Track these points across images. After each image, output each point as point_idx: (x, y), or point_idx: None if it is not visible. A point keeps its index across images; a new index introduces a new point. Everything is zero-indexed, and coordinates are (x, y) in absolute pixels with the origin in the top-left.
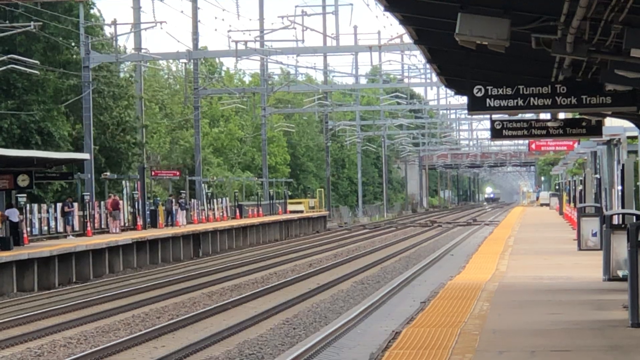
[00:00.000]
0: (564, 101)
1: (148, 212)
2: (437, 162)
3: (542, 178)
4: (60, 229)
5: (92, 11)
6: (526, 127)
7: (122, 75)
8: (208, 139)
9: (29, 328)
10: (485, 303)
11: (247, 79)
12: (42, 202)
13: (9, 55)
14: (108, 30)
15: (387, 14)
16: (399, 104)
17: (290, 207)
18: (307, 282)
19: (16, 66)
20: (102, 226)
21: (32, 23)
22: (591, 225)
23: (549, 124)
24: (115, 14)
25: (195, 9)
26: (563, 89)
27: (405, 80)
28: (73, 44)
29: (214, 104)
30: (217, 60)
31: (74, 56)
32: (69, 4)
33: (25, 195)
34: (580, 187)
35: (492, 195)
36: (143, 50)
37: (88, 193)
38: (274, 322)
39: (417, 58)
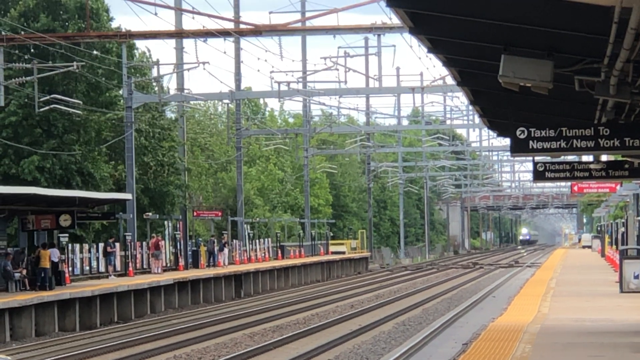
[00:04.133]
0: (606, 143)
1: (190, 253)
2: (479, 203)
3: (584, 220)
4: (102, 269)
5: (138, 52)
6: (569, 169)
7: (167, 115)
8: (249, 179)
9: None
10: (528, 345)
11: (291, 120)
12: (83, 241)
13: (52, 95)
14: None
15: (431, 55)
16: (441, 145)
17: (332, 248)
18: (349, 323)
19: (58, 106)
20: (144, 266)
21: (74, 63)
22: (633, 267)
23: (592, 166)
24: (158, 55)
25: (237, 50)
26: (606, 131)
27: (448, 121)
28: (116, 82)
29: (252, 144)
30: (261, 100)
31: (116, 96)
32: (114, 45)
33: (67, 235)
34: (622, 230)
35: (527, 237)
36: (186, 91)
37: (130, 233)
38: None
39: (459, 99)
